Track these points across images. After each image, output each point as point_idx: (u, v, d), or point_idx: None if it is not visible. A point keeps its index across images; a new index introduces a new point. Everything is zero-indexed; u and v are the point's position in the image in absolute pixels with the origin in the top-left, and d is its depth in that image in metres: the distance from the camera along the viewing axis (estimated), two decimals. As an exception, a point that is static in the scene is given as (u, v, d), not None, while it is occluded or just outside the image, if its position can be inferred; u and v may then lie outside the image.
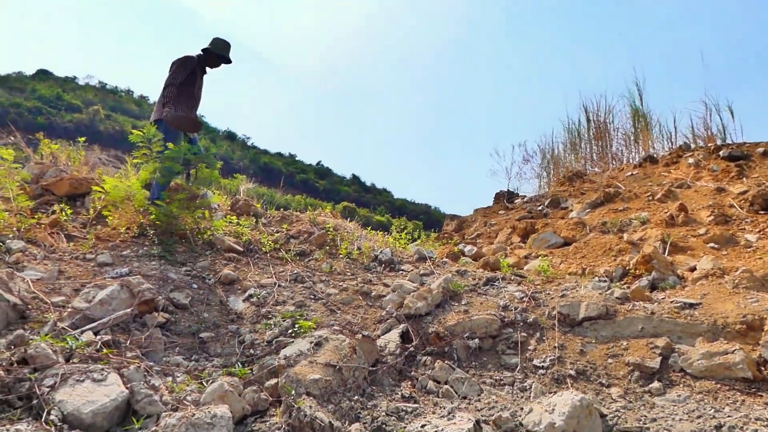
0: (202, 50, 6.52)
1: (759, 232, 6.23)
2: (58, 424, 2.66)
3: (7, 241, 4.70)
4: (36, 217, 5.29)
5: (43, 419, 2.64)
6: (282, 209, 8.04)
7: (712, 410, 3.27)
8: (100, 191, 5.64)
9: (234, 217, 6.67)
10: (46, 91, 75.22)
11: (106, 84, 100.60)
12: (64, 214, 5.46)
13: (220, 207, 7.17)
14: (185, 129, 6.34)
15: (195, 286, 4.72)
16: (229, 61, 6.63)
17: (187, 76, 6.33)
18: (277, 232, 6.68)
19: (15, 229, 4.95)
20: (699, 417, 3.21)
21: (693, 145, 11.03)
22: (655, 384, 3.65)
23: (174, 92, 6.19)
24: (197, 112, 6.68)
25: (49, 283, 4.18)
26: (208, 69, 6.68)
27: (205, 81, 6.65)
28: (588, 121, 12.85)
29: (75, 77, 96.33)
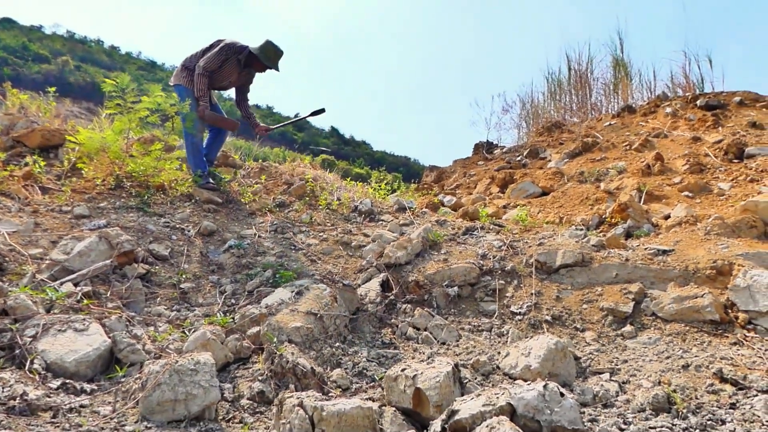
0: (251, 50, 6.01)
1: (732, 180, 6.34)
2: (42, 372, 2.68)
3: (-20, 193, 4.61)
4: (8, 169, 5.18)
5: (26, 368, 2.67)
6: (260, 161, 7.97)
7: (681, 351, 3.40)
8: (74, 143, 5.53)
9: (213, 168, 6.60)
10: (11, 40, 72.38)
11: (74, 33, 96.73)
12: (37, 166, 5.35)
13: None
14: (224, 127, 6.23)
15: (174, 237, 4.70)
16: (277, 70, 6.19)
17: (218, 65, 5.92)
18: (257, 183, 6.64)
19: (-13, 181, 4.86)
20: (668, 357, 3.33)
21: (671, 95, 11.08)
22: (628, 328, 3.77)
23: (206, 83, 5.84)
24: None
25: (26, 236, 4.13)
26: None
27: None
28: (569, 70, 12.80)
29: (41, 26, 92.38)
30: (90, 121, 7.80)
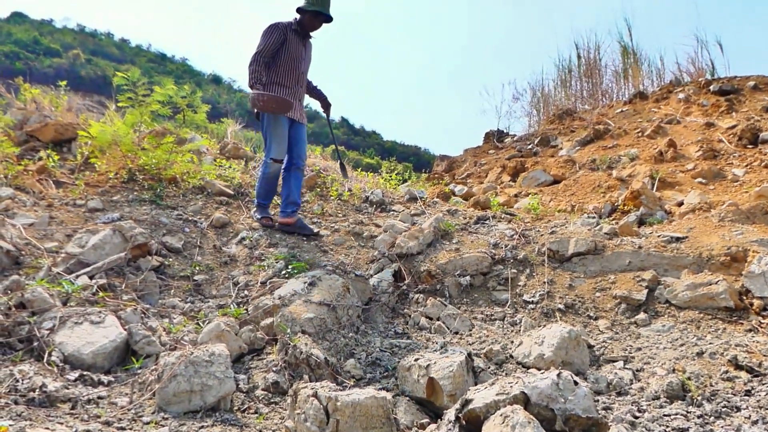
0: (297, 10, 5.12)
1: (746, 166, 6.28)
2: (60, 364, 2.72)
3: (-5, 188, 4.66)
4: (23, 163, 5.23)
5: (45, 360, 2.70)
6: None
7: (695, 338, 3.38)
8: (86, 137, 5.57)
9: (224, 160, 6.63)
10: (23, 34, 72.70)
11: (84, 27, 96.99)
12: (51, 160, 5.40)
13: (209, 151, 7.11)
14: (270, 111, 4.95)
15: (187, 229, 4.73)
16: (329, 19, 5.21)
17: (277, 47, 5.04)
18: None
19: (2, 176, 4.91)
20: (682, 345, 3.32)
21: (682, 81, 10.97)
22: (641, 315, 3.76)
23: (258, 71, 4.97)
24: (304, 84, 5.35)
25: (41, 229, 4.18)
26: (311, 32, 5.28)
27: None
28: (578, 57, 12.71)
29: (51, 20, 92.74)
30: (102, 114, 7.83)
